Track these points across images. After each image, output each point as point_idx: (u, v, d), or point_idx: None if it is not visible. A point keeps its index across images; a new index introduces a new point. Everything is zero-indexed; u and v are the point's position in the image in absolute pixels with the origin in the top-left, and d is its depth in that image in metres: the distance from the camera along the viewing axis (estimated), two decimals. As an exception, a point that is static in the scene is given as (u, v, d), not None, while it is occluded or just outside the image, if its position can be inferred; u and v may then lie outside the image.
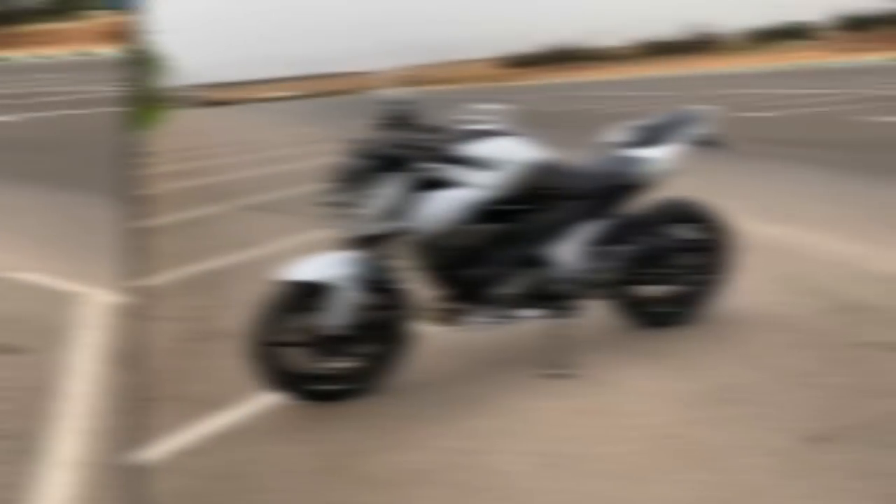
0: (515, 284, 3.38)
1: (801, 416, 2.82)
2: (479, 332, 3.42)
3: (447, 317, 3.38)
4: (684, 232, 3.71)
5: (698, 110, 3.64)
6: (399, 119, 3.25)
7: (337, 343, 3.18)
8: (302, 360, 3.15)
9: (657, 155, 3.51)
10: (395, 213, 3.06)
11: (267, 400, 3.14)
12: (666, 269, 3.69)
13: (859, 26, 54.32)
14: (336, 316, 3.11)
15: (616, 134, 3.69)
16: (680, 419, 2.89)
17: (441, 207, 3.11)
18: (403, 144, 3.16)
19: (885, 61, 30.40)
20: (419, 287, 3.32)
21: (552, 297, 3.49)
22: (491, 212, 3.25)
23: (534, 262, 3.44)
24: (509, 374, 3.40)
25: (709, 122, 3.60)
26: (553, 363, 3.35)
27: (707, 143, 3.60)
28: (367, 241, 3.18)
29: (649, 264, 3.68)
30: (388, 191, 3.03)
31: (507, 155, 3.11)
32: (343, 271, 3.12)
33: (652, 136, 3.56)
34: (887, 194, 6.36)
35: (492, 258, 3.33)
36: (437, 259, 3.21)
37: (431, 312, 3.35)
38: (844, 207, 5.96)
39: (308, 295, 3.08)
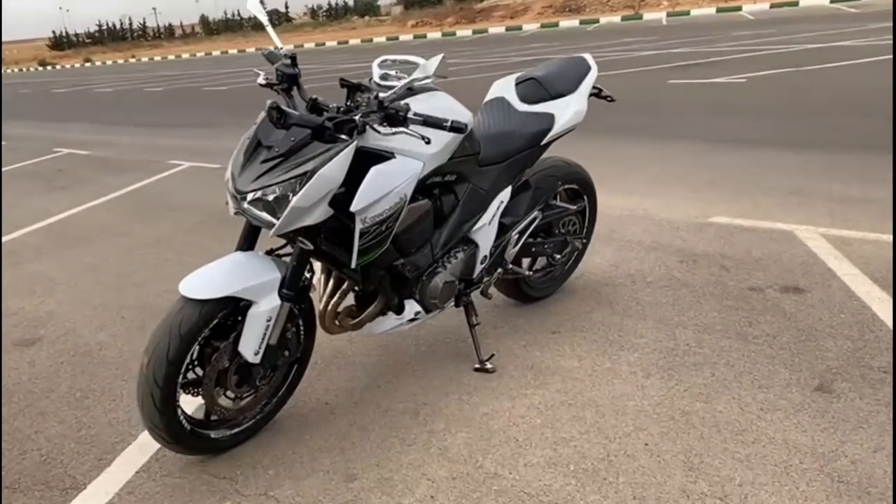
0: (449, 272, 2.79)
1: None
2: (388, 334, 2.82)
3: (362, 321, 2.70)
4: (566, 196, 3.46)
5: (585, 58, 3.34)
6: (290, 79, 2.51)
7: (246, 373, 2.53)
8: (207, 401, 2.51)
9: (570, 107, 3.15)
10: (319, 196, 2.25)
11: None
12: (552, 238, 3.41)
13: (415, 4, 60.40)
14: (253, 339, 2.42)
15: (500, 89, 3.23)
16: (665, 391, 2.80)
17: (385, 185, 2.37)
18: (329, 108, 2.40)
19: (440, 37, 34.17)
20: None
21: (473, 282, 3.00)
22: (421, 186, 2.61)
23: (462, 244, 2.88)
24: (443, 370, 3.01)
25: (595, 70, 3.33)
26: (477, 355, 3.06)
27: (600, 95, 3.31)
28: (284, 235, 2.41)
29: (542, 234, 3.38)
30: (311, 168, 2.20)
31: (449, 114, 2.47)
32: (259, 279, 2.39)
33: (546, 89, 3.17)
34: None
35: (424, 244, 2.70)
36: (369, 250, 2.46)
37: (342, 318, 2.75)
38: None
39: (216, 315, 2.36)
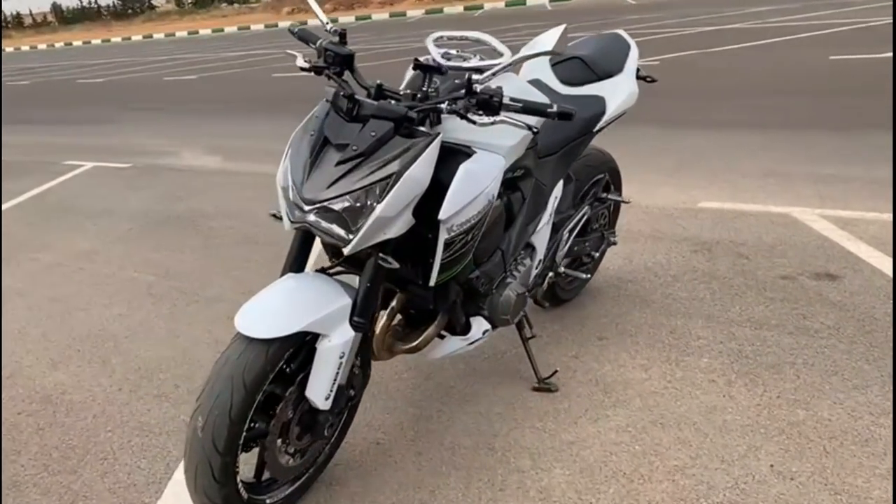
0: (519, 282, 2.43)
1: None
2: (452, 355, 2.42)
3: (418, 345, 2.30)
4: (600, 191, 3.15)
5: (622, 35, 3.01)
6: (345, 61, 2.08)
7: (312, 422, 2.08)
8: (270, 462, 2.05)
9: (621, 89, 2.81)
10: (406, 203, 1.84)
11: None
12: (591, 234, 3.10)
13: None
14: (324, 380, 1.96)
15: (531, 69, 2.86)
16: (758, 400, 2.55)
17: (475, 186, 1.98)
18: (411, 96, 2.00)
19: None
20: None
21: (529, 291, 2.65)
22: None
23: (526, 250, 2.53)
24: (497, 393, 2.67)
25: (636, 48, 3.00)
26: (535, 372, 2.71)
27: (638, 76, 2.99)
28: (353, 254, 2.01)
29: (583, 233, 3.06)
30: (396, 169, 1.79)
31: (536, 97, 2.09)
32: (329, 307, 1.93)
33: (593, 69, 2.83)
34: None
35: (495, 251, 2.32)
36: (452, 264, 2.06)
37: (394, 342, 2.32)
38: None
39: (283, 357, 1.89)
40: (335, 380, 1.97)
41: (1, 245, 5.00)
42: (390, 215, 1.85)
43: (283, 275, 2.07)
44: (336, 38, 2.09)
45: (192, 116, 10.34)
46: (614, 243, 3.29)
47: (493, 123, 1.89)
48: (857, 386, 2.54)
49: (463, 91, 1.91)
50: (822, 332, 2.91)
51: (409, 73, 2.35)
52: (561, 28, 1.84)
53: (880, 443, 2.25)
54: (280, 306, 1.90)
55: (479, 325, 2.37)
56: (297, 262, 2.10)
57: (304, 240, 2.09)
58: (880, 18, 12.59)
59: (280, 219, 2.08)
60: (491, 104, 1.87)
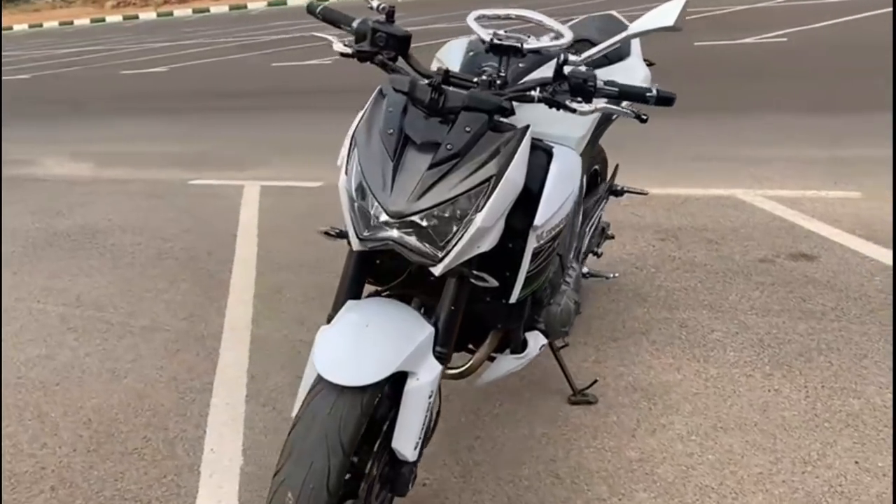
0: (573, 288, 2.20)
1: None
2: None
3: (469, 368, 2.02)
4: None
5: (616, 16, 2.80)
6: (400, 43, 1.76)
7: (395, 477, 1.72)
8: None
9: (636, 72, 2.61)
10: (503, 209, 1.57)
11: None
12: (596, 230, 2.92)
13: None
14: (414, 427, 1.62)
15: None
16: (806, 392, 2.46)
17: (567, 186, 1.74)
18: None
19: (155, 17, 31.57)
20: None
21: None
22: None
23: (577, 253, 2.31)
24: (533, 411, 2.43)
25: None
26: (570, 384, 2.47)
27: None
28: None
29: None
30: (495, 171, 1.52)
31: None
32: (414, 340, 1.60)
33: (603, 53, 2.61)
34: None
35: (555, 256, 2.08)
36: (537, 276, 1.81)
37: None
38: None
39: (374, 405, 1.56)
40: (424, 424, 1.64)
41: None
42: (488, 225, 1.56)
43: (339, 303, 1.72)
44: (382, 16, 1.75)
45: (37, 120, 9.24)
46: (612, 237, 3.13)
47: (593, 111, 1.64)
48: (892, 367, 2.51)
49: (551, 75, 1.64)
50: (828, 315, 2.88)
51: (439, 58, 2.05)
52: (682, 1, 1.61)
53: (947, 425, 2.21)
54: (365, 344, 1.55)
55: (536, 340, 2.11)
56: (355, 287, 1.74)
57: (364, 260, 1.74)
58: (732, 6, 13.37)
59: (338, 236, 1.72)
60: (585, 89, 1.61)
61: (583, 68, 1.64)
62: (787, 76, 7.19)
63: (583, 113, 1.63)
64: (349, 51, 1.76)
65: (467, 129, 1.55)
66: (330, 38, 1.82)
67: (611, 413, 2.40)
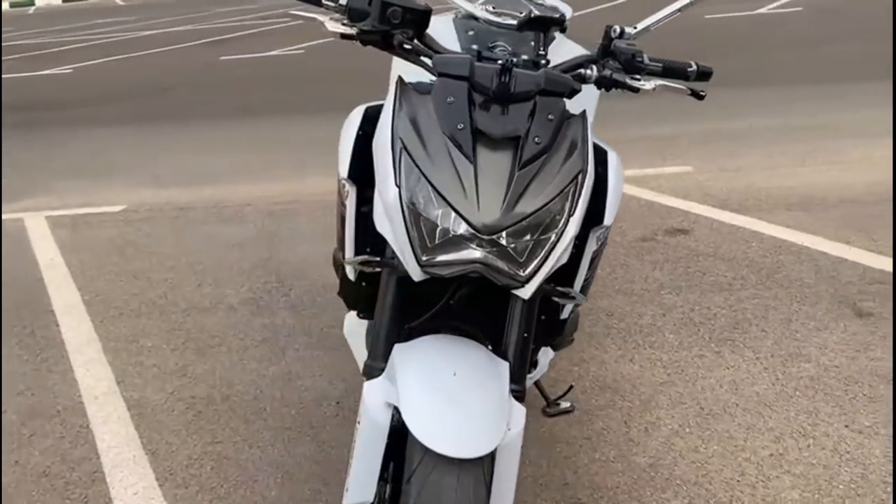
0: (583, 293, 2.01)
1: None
2: None
3: None
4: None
5: None
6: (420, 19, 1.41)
7: None
8: None
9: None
10: (585, 209, 1.36)
11: None
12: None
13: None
14: (510, 483, 1.31)
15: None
16: (790, 373, 2.48)
17: (621, 178, 1.55)
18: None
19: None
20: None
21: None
22: None
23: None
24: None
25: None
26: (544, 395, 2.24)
27: None
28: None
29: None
30: (581, 165, 1.30)
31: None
32: (501, 385, 1.30)
33: None
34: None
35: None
36: (590, 282, 1.61)
37: None
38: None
39: None
40: (516, 479, 1.34)
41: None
42: (577, 231, 1.30)
43: (383, 349, 1.34)
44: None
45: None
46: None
47: (654, 89, 1.44)
48: (818, 327, 2.62)
49: (598, 52, 1.43)
50: (735, 285, 2.96)
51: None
52: None
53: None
54: (469, 403, 1.22)
55: (546, 354, 1.87)
56: (399, 326, 1.39)
57: (406, 290, 1.38)
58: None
59: (380, 265, 1.34)
60: (635, 65, 1.42)
61: (623, 44, 1.44)
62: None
63: (645, 91, 1.43)
64: (351, 31, 1.38)
65: (550, 116, 1.27)
66: (315, 16, 1.43)
67: (594, 420, 2.23)
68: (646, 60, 1.43)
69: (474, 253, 1.22)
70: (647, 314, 2.79)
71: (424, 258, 1.24)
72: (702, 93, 1.48)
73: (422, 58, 1.39)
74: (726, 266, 3.12)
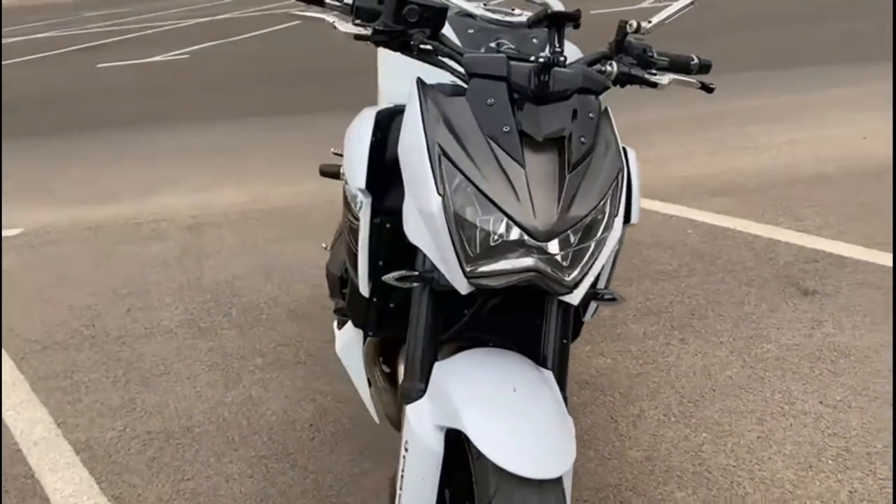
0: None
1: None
2: None
3: None
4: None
5: None
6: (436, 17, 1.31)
7: None
8: None
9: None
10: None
11: None
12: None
13: None
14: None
15: None
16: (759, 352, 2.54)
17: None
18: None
19: None
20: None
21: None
22: None
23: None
24: None
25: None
26: None
27: None
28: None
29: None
30: (620, 163, 1.28)
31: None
32: (555, 398, 1.24)
33: None
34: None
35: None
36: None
37: None
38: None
39: None
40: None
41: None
42: (620, 233, 1.27)
43: (421, 368, 1.26)
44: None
45: None
46: None
47: (668, 84, 1.44)
48: (771, 308, 2.72)
49: (612, 48, 1.41)
50: (682, 273, 3.03)
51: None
52: None
53: (852, 348, 2.44)
54: (537, 421, 1.16)
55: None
56: (436, 343, 1.30)
57: (439, 300, 1.29)
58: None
59: (418, 280, 1.25)
60: (646, 60, 1.42)
61: (633, 39, 1.43)
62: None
63: (662, 86, 1.41)
64: (366, 31, 1.28)
65: (591, 115, 1.23)
66: (320, 16, 1.32)
67: (580, 417, 2.21)
68: (655, 55, 1.42)
69: (527, 260, 1.15)
70: (605, 306, 2.80)
71: (469, 268, 1.16)
72: (711, 85, 1.48)
73: (440, 58, 1.31)
74: (669, 255, 3.18)
